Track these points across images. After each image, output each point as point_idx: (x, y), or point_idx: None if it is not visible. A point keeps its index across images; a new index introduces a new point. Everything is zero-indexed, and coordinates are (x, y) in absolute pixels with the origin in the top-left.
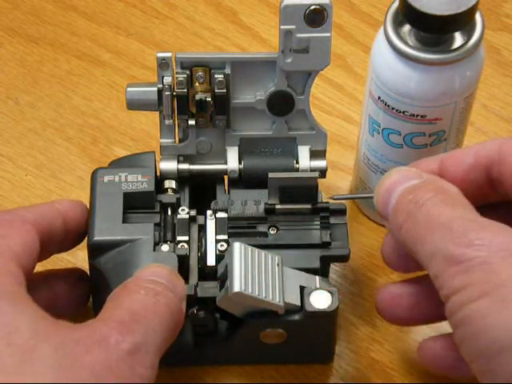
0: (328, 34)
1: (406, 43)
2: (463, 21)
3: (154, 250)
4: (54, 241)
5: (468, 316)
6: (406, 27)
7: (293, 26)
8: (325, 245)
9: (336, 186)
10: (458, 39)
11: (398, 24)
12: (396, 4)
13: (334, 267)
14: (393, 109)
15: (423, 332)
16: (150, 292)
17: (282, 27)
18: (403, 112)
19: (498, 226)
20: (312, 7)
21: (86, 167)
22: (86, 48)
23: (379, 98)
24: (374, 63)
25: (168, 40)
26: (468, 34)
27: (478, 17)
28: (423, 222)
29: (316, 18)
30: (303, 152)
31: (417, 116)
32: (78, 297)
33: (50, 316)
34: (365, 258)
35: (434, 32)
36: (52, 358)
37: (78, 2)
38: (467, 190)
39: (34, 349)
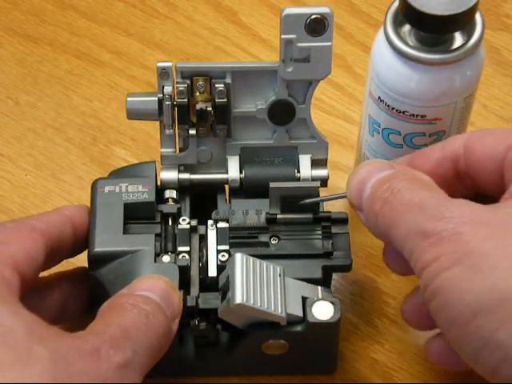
0: (329, 43)
1: (406, 43)
2: (463, 21)
3: (155, 260)
4: (64, 247)
5: (441, 285)
6: (406, 27)
7: (293, 36)
8: (327, 255)
9: (336, 185)
10: (458, 39)
11: (398, 24)
12: (396, 4)
13: None
14: (393, 109)
15: (423, 332)
16: (142, 312)
17: (282, 36)
18: (403, 112)
19: (468, 202)
20: (313, 16)
21: (85, 167)
22: (86, 48)
23: (379, 97)
24: (374, 63)
25: (168, 40)
26: (468, 34)
27: (478, 17)
28: (398, 205)
29: (317, 27)
30: (304, 161)
31: (417, 116)
32: (87, 297)
33: (42, 320)
34: (365, 257)
35: (433, 32)
36: (48, 360)
37: (78, 2)
38: (439, 186)
39: (29, 349)
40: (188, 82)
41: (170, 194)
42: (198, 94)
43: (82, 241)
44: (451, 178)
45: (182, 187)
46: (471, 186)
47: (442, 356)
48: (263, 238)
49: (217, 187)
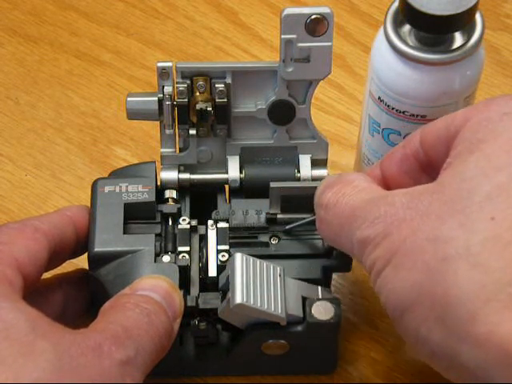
0: (329, 43)
1: (406, 43)
2: (463, 21)
3: (155, 260)
4: (66, 248)
5: (378, 287)
6: (406, 27)
7: (294, 36)
8: (327, 255)
9: None
10: (458, 39)
11: (398, 24)
12: (396, 4)
13: None
14: (393, 109)
15: None
16: (144, 311)
17: (282, 36)
18: (403, 112)
19: (395, 197)
20: (313, 16)
21: (85, 167)
22: (86, 48)
23: (379, 98)
24: (374, 63)
25: (168, 40)
26: (468, 34)
27: (478, 17)
28: (332, 219)
29: (317, 27)
30: (304, 161)
31: (417, 116)
32: (89, 299)
33: (45, 316)
34: None
35: (434, 32)
36: (50, 354)
37: (77, 2)
38: (407, 183)
39: (33, 344)
40: (188, 82)
41: (170, 193)
42: (198, 93)
43: (84, 241)
44: (417, 173)
45: (181, 187)
46: (436, 176)
47: None
48: (263, 237)
49: (217, 187)
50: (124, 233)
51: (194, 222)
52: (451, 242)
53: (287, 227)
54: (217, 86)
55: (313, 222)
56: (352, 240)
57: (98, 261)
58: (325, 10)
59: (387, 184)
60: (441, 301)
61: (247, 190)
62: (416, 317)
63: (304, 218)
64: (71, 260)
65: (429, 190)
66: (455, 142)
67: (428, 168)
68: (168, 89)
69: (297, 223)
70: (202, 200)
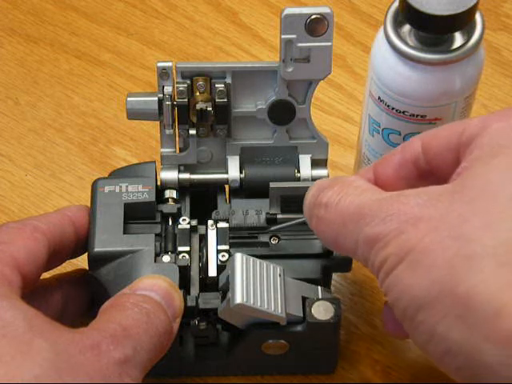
0: (329, 43)
1: (406, 43)
2: (463, 21)
3: (155, 260)
4: (66, 248)
5: (390, 283)
6: (406, 27)
7: (294, 36)
8: (327, 255)
9: None
10: (458, 39)
11: (398, 24)
12: (396, 4)
13: None
14: (393, 109)
15: None
16: (143, 310)
17: (282, 36)
18: (403, 112)
19: (407, 196)
20: (313, 16)
21: (85, 167)
22: (86, 48)
23: (379, 98)
24: (374, 63)
25: (168, 40)
26: (468, 34)
27: (477, 17)
28: (335, 218)
29: (317, 27)
30: (304, 161)
31: (417, 116)
32: (88, 299)
33: (43, 315)
34: None
35: (434, 32)
36: (49, 352)
37: (77, 2)
38: (402, 188)
39: (30, 342)
40: (188, 82)
41: (170, 194)
42: (198, 93)
43: (83, 241)
44: (414, 179)
45: (182, 187)
46: (435, 183)
47: (396, 326)
48: (263, 237)
49: (217, 187)
50: (124, 233)
51: (194, 222)
52: (477, 241)
53: (272, 228)
54: (217, 85)
55: (303, 224)
56: (357, 239)
57: (98, 261)
58: (325, 9)
59: (380, 187)
60: (463, 298)
61: (247, 189)
62: (434, 314)
63: (303, 218)
64: (71, 260)
65: (448, 190)
66: (470, 148)
67: (428, 175)
68: (168, 89)
69: (284, 224)
70: (202, 200)
